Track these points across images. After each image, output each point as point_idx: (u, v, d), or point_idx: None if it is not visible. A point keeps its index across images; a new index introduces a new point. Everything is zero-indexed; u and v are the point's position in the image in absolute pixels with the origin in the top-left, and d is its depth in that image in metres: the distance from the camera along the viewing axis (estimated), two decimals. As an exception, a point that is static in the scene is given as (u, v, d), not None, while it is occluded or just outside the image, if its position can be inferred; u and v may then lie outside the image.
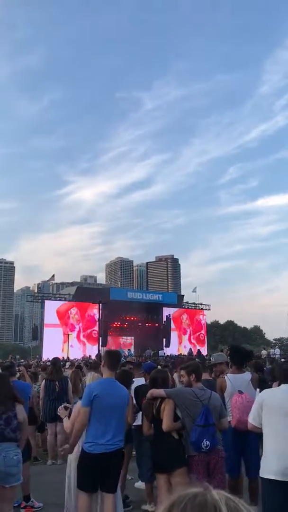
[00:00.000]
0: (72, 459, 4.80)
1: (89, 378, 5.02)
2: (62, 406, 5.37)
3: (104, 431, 4.28)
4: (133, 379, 6.29)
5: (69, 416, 4.90)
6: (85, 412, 4.33)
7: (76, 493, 4.51)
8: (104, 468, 4.28)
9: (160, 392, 4.46)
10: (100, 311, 33.71)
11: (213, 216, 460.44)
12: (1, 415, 4.28)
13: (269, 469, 3.67)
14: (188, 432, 4.30)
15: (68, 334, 37.03)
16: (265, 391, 4.19)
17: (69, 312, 38.36)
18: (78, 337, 38.35)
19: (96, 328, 36.13)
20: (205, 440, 4.17)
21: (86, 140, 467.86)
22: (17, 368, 9.04)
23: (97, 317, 34.11)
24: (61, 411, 5.18)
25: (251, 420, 4.00)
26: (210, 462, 4.26)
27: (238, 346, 6.37)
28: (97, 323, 34.59)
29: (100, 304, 33.49)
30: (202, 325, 47.57)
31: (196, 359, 8.57)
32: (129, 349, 38.96)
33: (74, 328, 37.49)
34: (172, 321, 41.42)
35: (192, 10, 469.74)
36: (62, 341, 37.02)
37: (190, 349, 39.18)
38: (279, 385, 4.10)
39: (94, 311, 36.53)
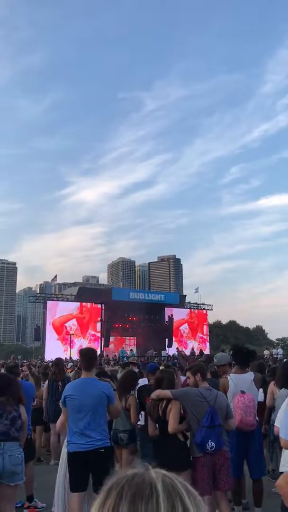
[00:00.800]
0: (63, 458, 4.85)
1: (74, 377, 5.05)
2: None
3: (78, 430, 4.31)
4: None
5: None
6: (63, 412, 4.54)
7: (63, 491, 4.62)
8: (86, 468, 4.28)
9: (167, 393, 4.42)
10: (103, 312, 33.75)
11: (216, 216, 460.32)
12: (8, 415, 4.33)
13: None
14: (193, 433, 4.28)
15: (70, 334, 37.02)
16: None
17: (67, 327, 37.75)
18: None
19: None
20: (210, 441, 4.15)
21: (88, 140, 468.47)
22: (20, 368, 9.06)
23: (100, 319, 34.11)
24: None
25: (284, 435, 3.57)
26: (215, 463, 4.25)
27: (241, 346, 6.35)
28: (100, 323, 34.61)
29: (103, 305, 33.52)
30: (204, 325, 47.54)
31: (200, 360, 8.55)
32: (131, 350, 38.95)
33: (74, 345, 36.58)
34: (174, 321, 41.40)
35: (194, 10, 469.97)
36: (64, 342, 37.05)
37: (192, 349, 39.15)
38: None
39: (97, 325, 36.20)
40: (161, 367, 6.87)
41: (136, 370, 8.68)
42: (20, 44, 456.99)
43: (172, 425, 4.29)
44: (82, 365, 4.56)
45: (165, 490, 0.72)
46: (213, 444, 4.16)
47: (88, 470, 4.30)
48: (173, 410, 4.33)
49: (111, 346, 38.05)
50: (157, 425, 4.55)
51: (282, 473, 3.59)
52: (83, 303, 39.20)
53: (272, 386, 6.18)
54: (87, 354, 4.66)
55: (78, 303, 39.68)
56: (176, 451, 4.33)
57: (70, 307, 39.28)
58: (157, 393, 4.52)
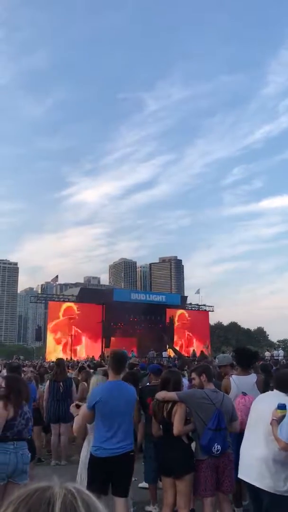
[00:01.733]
0: (82, 457, 4.79)
1: (94, 381, 4.98)
2: (74, 404, 5.35)
3: (110, 435, 4.22)
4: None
5: None
6: (86, 415, 4.37)
7: None
8: (112, 472, 4.22)
9: (172, 395, 4.38)
10: (104, 312, 33.77)
11: (218, 217, 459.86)
12: (24, 415, 4.43)
13: None
14: (199, 436, 4.25)
15: (71, 335, 37.04)
16: None
17: (68, 328, 37.71)
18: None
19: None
20: (216, 444, 4.12)
21: (90, 141, 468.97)
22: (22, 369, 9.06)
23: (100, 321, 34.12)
24: (72, 409, 5.18)
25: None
26: (219, 466, 4.24)
27: (244, 347, 6.34)
28: (101, 324, 34.63)
29: (104, 305, 33.55)
30: (205, 326, 47.51)
31: (203, 362, 8.54)
32: (132, 351, 38.96)
33: (75, 345, 36.47)
34: (175, 322, 41.40)
35: (196, 10, 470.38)
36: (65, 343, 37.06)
37: (193, 350, 39.13)
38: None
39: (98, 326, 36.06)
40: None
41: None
42: (22, 45, 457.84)
43: (177, 427, 4.26)
44: (112, 367, 4.45)
45: (61, 509, 0.71)
46: (219, 447, 4.14)
47: (112, 474, 4.24)
48: (179, 412, 4.29)
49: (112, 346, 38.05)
50: (161, 426, 4.53)
51: None
52: (84, 304, 39.23)
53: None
54: (121, 355, 4.67)
55: (79, 304, 39.72)
56: (180, 454, 4.30)
57: (71, 308, 39.31)
58: (162, 394, 4.47)
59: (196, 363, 8.76)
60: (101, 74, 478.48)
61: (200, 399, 4.30)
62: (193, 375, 4.66)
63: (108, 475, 4.24)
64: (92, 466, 4.29)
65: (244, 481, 5.26)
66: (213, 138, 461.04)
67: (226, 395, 4.63)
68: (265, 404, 3.74)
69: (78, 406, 5.12)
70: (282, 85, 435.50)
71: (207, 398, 4.29)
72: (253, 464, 3.63)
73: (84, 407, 4.61)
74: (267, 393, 4.07)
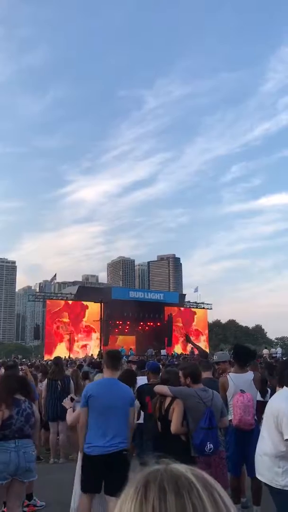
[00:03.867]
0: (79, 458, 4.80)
1: (96, 379, 5.00)
2: (68, 397, 5.39)
3: (102, 432, 4.23)
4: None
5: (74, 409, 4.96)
6: (82, 412, 4.37)
7: (77, 493, 4.53)
8: (106, 470, 4.20)
9: (164, 389, 4.44)
10: (102, 311, 33.75)
11: (216, 215, 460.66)
12: (22, 412, 4.39)
13: None
14: (191, 434, 4.27)
15: (69, 333, 37.06)
16: None
17: (67, 326, 37.77)
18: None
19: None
20: (208, 443, 4.15)
21: (88, 139, 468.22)
22: (20, 367, 9.07)
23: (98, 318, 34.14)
24: (66, 402, 5.21)
25: None
26: (210, 463, 4.26)
27: (242, 345, 6.36)
28: (99, 322, 34.63)
29: (102, 304, 33.53)
30: (203, 324, 47.56)
31: (202, 359, 8.56)
32: (130, 349, 38.97)
33: (73, 344, 36.72)
34: (173, 320, 41.42)
35: (196, 8, 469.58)
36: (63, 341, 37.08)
37: (192, 348, 39.16)
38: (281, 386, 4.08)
39: (97, 324, 36.25)
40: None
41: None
42: (21, 42, 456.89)
43: (174, 424, 4.28)
44: (107, 365, 4.50)
45: (199, 482, 0.72)
46: (212, 446, 4.16)
47: (105, 472, 4.22)
48: (177, 410, 4.31)
49: (111, 345, 38.07)
50: (159, 423, 4.54)
51: None
52: (83, 302, 39.21)
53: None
54: (116, 354, 4.74)
55: (78, 302, 39.69)
56: (178, 451, 4.30)
57: (69, 306, 39.28)
58: (159, 388, 4.57)
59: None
60: (100, 72, 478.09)
61: (190, 397, 4.35)
62: (181, 373, 4.71)
63: (101, 473, 4.22)
64: (85, 464, 4.31)
65: (243, 478, 5.32)
66: (212, 135, 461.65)
67: (216, 392, 4.66)
68: (272, 402, 3.78)
69: (72, 400, 5.16)
70: (281, 82, 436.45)
71: (197, 397, 4.33)
72: (257, 459, 3.73)
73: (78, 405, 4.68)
74: (280, 390, 4.04)
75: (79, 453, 4.84)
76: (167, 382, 4.62)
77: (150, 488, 0.71)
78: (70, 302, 40.09)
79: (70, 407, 5.02)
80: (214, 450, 4.19)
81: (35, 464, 4.49)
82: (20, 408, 4.38)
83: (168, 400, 4.43)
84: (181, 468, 0.75)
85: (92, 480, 4.25)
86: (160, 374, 5.15)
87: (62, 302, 40.24)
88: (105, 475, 4.24)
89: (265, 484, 3.69)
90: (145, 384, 6.12)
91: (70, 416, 4.92)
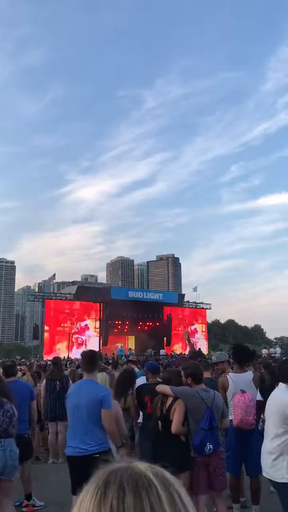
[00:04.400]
0: None
1: (100, 378, 4.97)
2: None
3: (73, 433, 4.25)
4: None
5: None
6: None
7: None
8: (79, 472, 4.02)
9: (165, 389, 4.44)
10: (101, 311, 33.76)
11: (215, 214, 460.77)
12: (6, 412, 4.50)
13: None
14: (191, 435, 4.27)
15: (69, 334, 37.06)
16: None
17: (66, 326, 37.91)
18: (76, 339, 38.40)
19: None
20: (208, 444, 4.15)
21: (87, 138, 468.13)
22: (19, 367, 9.05)
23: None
24: None
25: None
26: (210, 464, 4.26)
27: (241, 345, 6.37)
28: (98, 322, 34.64)
29: (101, 304, 33.55)
30: (202, 324, 47.59)
31: (201, 359, 8.57)
32: (130, 348, 38.98)
33: (73, 344, 36.89)
34: (172, 320, 41.45)
35: (195, 7, 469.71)
36: (63, 340, 37.08)
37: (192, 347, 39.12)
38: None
39: (96, 324, 36.29)
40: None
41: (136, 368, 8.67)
42: (20, 42, 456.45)
43: (175, 424, 4.26)
44: (82, 367, 4.54)
45: (158, 481, 0.72)
46: (211, 446, 4.16)
47: (79, 473, 4.10)
48: (178, 410, 4.29)
49: (110, 345, 38.09)
50: (159, 422, 4.52)
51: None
52: (82, 302, 39.23)
53: None
54: (90, 355, 4.62)
55: (77, 302, 39.70)
56: (177, 451, 4.30)
57: (68, 306, 39.30)
58: (161, 388, 4.58)
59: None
60: (99, 71, 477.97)
61: (192, 397, 4.34)
62: (182, 373, 4.70)
63: (76, 474, 4.13)
64: (67, 463, 4.39)
65: (243, 477, 5.32)
66: (211, 135, 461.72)
67: (217, 393, 4.64)
68: (271, 399, 3.79)
69: None
70: (280, 82, 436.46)
71: (198, 397, 4.32)
72: (264, 457, 3.76)
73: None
74: (280, 386, 4.05)
75: None
76: (169, 381, 4.61)
77: (109, 487, 0.71)
78: (69, 302, 40.10)
79: None
80: (213, 451, 4.18)
81: (18, 463, 4.64)
82: (4, 410, 4.50)
83: (169, 399, 4.42)
84: (142, 466, 0.74)
85: (73, 481, 4.23)
86: (162, 373, 5.13)
87: (61, 302, 40.25)
88: (85, 477, 4.17)
89: (270, 481, 3.70)
90: (144, 383, 6.12)
91: None
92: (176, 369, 5.79)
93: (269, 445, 3.69)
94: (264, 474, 3.80)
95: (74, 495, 4.21)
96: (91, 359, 4.51)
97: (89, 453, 4.08)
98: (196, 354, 9.06)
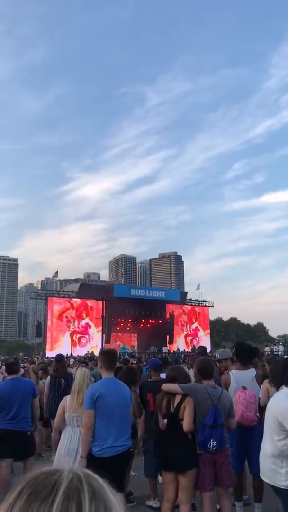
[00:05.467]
0: (61, 450, 4.72)
1: (79, 373, 4.96)
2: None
3: (111, 432, 4.19)
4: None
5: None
6: (89, 414, 4.19)
7: None
8: (114, 469, 4.12)
9: (175, 387, 4.42)
10: (104, 308, 33.78)
11: (218, 212, 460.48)
12: None
13: None
14: (196, 431, 4.27)
15: (71, 330, 37.14)
16: None
17: (69, 323, 38.09)
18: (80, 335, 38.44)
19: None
20: (212, 440, 4.14)
21: (90, 136, 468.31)
22: (22, 365, 9.08)
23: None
24: None
25: None
26: (216, 460, 4.27)
27: (244, 342, 6.38)
28: (101, 320, 34.67)
29: (104, 301, 33.56)
30: (205, 322, 47.59)
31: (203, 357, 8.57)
32: (132, 346, 39.03)
33: (75, 341, 37.07)
34: (175, 318, 41.47)
35: (198, 4, 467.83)
36: (67, 338, 37.16)
37: (194, 346, 39.19)
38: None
39: (98, 322, 36.41)
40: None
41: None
42: (23, 39, 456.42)
43: (187, 423, 4.23)
44: (104, 363, 4.44)
45: (65, 492, 0.70)
46: (215, 443, 4.15)
47: (111, 471, 4.21)
48: (188, 408, 4.27)
49: (112, 342, 38.15)
50: (164, 420, 4.51)
51: None
52: (84, 300, 39.28)
53: (266, 384, 6.08)
54: (112, 353, 4.69)
55: (79, 300, 39.75)
56: (183, 449, 4.28)
57: (71, 304, 39.36)
58: (167, 386, 4.52)
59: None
60: (102, 68, 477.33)
61: (200, 394, 4.33)
62: (194, 369, 4.71)
63: (107, 473, 4.20)
64: (94, 466, 4.25)
65: (245, 475, 5.32)
66: (214, 132, 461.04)
67: (225, 391, 4.65)
68: (272, 403, 3.77)
69: None
70: (284, 79, 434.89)
71: (206, 393, 4.32)
72: (261, 460, 3.72)
73: (63, 402, 4.79)
74: (281, 391, 4.03)
75: (59, 447, 4.81)
76: (175, 379, 4.58)
77: (13, 492, 0.72)
78: (71, 299, 40.16)
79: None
80: (218, 447, 4.18)
81: None
82: None
83: (178, 397, 4.39)
84: (66, 474, 0.73)
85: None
86: (168, 372, 5.11)
87: (64, 299, 40.31)
88: (111, 472, 4.21)
89: (269, 485, 3.68)
90: (147, 381, 6.13)
91: (56, 418, 4.87)
92: (180, 366, 5.79)
93: (268, 449, 3.67)
94: (263, 478, 3.77)
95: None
96: (112, 357, 4.57)
97: (127, 448, 4.29)
98: (204, 350, 9.10)
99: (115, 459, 4.15)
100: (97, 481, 0.75)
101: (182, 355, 27.59)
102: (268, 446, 3.63)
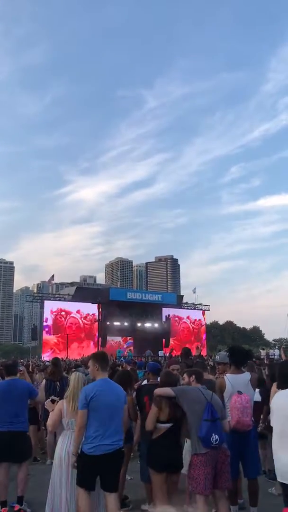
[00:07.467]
0: (60, 455, 4.71)
1: (73, 378, 4.97)
2: (49, 399, 5.38)
3: (103, 431, 4.25)
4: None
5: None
6: (82, 414, 4.27)
7: (59, 492, 4.53)
8: (105, 468, 4.26)
9: (167, 391, 4.54)
10: (100, 312, 33.74)
11: (215, 216, 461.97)
12: None
13: None
14: (196, 429, 4.31)
15: (67, 334, 37.05)
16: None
17: (64, 327, 38.02)
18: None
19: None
20: (214, 434, 4.20)
21: (87, 138, 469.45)
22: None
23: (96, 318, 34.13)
24: (47, 404, 5.20)
25: None
26: (217, 461, 4.29)
27: (238, 346, 6.38)
28: (97, 323, 34.63)
29: (100, 305, 33.53)
30: (201, 325, 47.61)
31: (197, 359, 8.58)
32: (129, 350, 38.99)
33: (71, 344, 37.03)
34: (171, 321, 41.48)
35: (196, 7, 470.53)
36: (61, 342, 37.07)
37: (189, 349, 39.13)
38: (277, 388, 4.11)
39: (94, 325, 36.36)
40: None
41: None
42: (21, 40, 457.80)
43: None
44: (99, 365, 4.54)
45: None
46: (217, 437, 4.21)
47: (103, 469, 4.28)
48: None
49: (108, 346, 38.07)
50: (168, 424, 4.64)
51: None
52: (80, 303, 39.22)
53: (275, 387, 6.10)
54: (104, 355, 4.85)
55: (75, 303, 39.69)
56: (181, 450, 4.52)
57: (67, 307, 39.28)
58: (159, 391, 4.64)
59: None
60: (100, 71, 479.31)
61: (193, 393, 4.46)
62: (185, 375, 4.87)
63: (99, 471, 4.29)
64: (85, 464, 4.28)
65: (240, 479, 5.31)
66: (212, 136, 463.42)
67: (215, 395, 4.72)
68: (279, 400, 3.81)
69: (53, 401, 5.13)
70: (281, 83, 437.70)
71: (199, 392, 4.46)
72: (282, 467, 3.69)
73: (60, 404, 4.77)
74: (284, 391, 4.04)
75: (56, 454, 4.80)
76: (169, 385, 4.69)
77: None
78: (67, 303, 40.09)
79: (52, 410, 4.98)
80: (220, 442, 4.23)
81: None
82: None
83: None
84: None
85: (90, 478, 4.28)
86: (161, 377, 5.17)
87: (60, 303, 40.24)
88: (102, 472, 4.28)
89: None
90: (145, 384, 6.12)
91: (51, 420, 4.84)
92: (167, 370, 5.85)
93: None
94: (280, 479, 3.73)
95: (93, 491, 4.28)
96: (106, 358, 4.76)
97: (119, 447, 4.35)
98: (187, 353, 9.17)
99: (106, 458, 4.21)
100: None
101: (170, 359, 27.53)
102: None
